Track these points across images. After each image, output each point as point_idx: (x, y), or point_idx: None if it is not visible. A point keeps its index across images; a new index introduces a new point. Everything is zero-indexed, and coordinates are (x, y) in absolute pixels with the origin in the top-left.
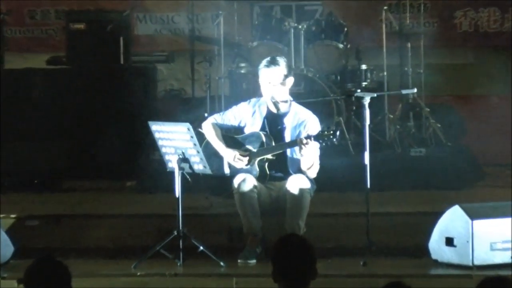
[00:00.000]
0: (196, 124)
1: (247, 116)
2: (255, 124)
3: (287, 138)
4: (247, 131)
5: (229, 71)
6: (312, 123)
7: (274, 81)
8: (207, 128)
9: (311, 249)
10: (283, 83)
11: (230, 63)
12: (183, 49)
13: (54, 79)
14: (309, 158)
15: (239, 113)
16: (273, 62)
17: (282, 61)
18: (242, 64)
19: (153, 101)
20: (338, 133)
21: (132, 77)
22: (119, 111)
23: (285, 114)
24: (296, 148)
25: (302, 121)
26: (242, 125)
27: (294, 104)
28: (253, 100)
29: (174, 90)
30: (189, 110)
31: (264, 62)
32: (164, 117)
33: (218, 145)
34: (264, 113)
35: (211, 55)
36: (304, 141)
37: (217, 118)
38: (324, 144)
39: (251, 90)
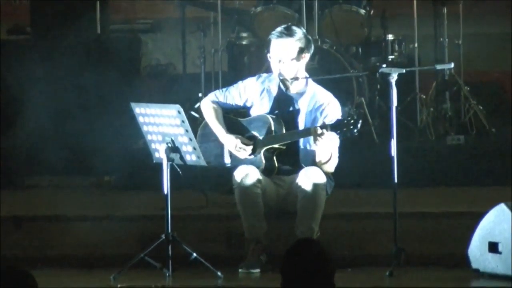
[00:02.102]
0: (188, 106)
1: (254, 94)
2: (263, 105)
3: (301, 124)
4: (253, 113)
5: (227, 42)
6: (331, 109)
7: (284, 56)
8: (206, 107)
9: (328, 258)
10: (297, 58)
11: (229, 32)
12: (171, 16)
13: (15, 52)
14: (326, 150)
15: (245, 91)
16: (286, 32)
17: (299, 32)
18: (244, 34)
19: (136, 79)
20: (360, 122)
21: (111, 50)
22: (94, 91)
23: (299, 95)
24: (311, 138)
25: (320, 105)
26: (248, 105)
27: (312, 83)
28: (264, 75)
29: (161, 66)
30: (179, 90)
31: (276, 31)
32: (149, 98)
33: (218, 129)
34: (274, 92)
35: (206, 23)
36: (319, 131)
37: (218, 95)
38: (342, 135)
39: (254, 65)
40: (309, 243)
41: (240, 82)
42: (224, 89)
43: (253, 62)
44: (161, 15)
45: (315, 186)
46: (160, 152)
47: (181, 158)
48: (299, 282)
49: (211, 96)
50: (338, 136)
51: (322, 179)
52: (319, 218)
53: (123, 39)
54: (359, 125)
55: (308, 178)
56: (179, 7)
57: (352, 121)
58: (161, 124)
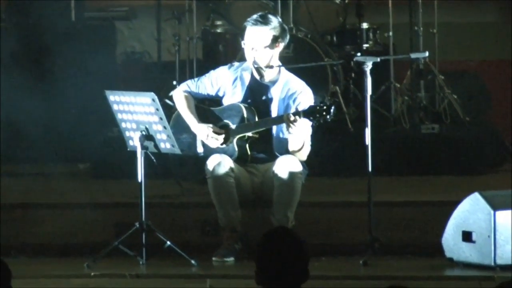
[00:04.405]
0: (163, 94)
1: (227, 83)
2: (235, 94)
3: (274, 112)
4: (226, 102)
5: (202, 30)
6: (304, 96)
7: (257, 44)
8: (178, 97)
9: (303, 246)
10: (270, 47)
11: (203, 20)
12: (146, 3)
13: None
14: (298, 138)
15: (217, 80)
16: (261, 20)
17: (274, 20)
18: (218, 22)
19: (111, 66)
20: (333, 109)
21: (86, 38)
22: (69, 78)
23: (272, 84)
24: (284, 125)
25: (293, 93)
26: (220, 94)
27: (285, 71)
28: (236, 64)
29: (136, 53)
30: (154, 77)
31: (252, 18)
32: (124, 85)
33: (190, 119)
34: (247, 81)
35: (181, 11)
36: (292, 117)
37: (190, 85)
38: (315, 122)
39: (229, 54)
40: (284, 231)
41: (212, 71)
42: (196, 79)
43: (228, 50)
44: (135, 2)
45: (292, 174)
46: (134, 140)
47: (156, 146)
48: (274, 270)
49: (183, 86)
50: (311, 123)
51: (298, 167)
52: (294, 206)
53: (98, 26)
54: (332, 112)
55: (284, 167)
56: None
57: (325, 107)
58: (135, 112)
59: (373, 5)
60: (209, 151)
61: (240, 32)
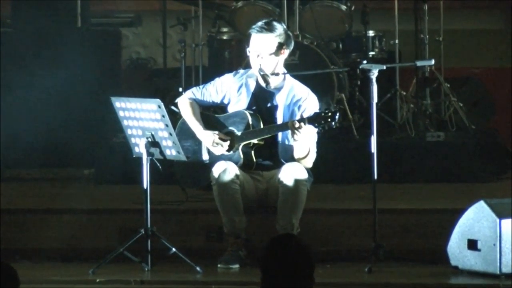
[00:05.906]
0: (168, 101)
1: (232, 90)
2: (241, 101)
3: (279, 119)
4: (231, 109)
5: (208, 36)
6: (309, 103)
7: (262, 51)
8: (183, 104)
9: (308, 253)
10: (275, 54)
11: (209, 27)
12: (152, 9)
13: None
14: (304, 144)
15: (222, 87)
16: (266, 27)
17: (279, 27)
18: (224, 29)
19: (116, 72)
20: (338, 115)
21: (91, 43)
22: (75, 84)
23: (277, 90)
24: (289, 132)
25: (298, 99)
26: (225, 101)
27: (290, 78)
28: (241, 71)
29: (142, 59)
30: (159, 84)
31: (257, 25)
32: (129, 91)
33: (195, 126)
34: (252, 88)
35: (187, 17)
36: (296, 124)
37: (196, 92)
38: (320, 128)
39: (235, 60)
40: (289, 238)
41: (217, 79)
42: (201, 86)
43: (233, 57)
44: (141, 8)
45: (297, 181)
46: (140, 147)
47: (161, 152)
48: (279, 277)
49: (188, 93)
50: (316, 129)
51: (304, 175)
52: (299, 213)
53: (103, 32)
54: (337, 118)
55: (290, 174)
56: (159, 0)
57: (329, 114)
58: (141, 119)
59: (379, 13)
60: (214, 158)
61: (245, 39)
